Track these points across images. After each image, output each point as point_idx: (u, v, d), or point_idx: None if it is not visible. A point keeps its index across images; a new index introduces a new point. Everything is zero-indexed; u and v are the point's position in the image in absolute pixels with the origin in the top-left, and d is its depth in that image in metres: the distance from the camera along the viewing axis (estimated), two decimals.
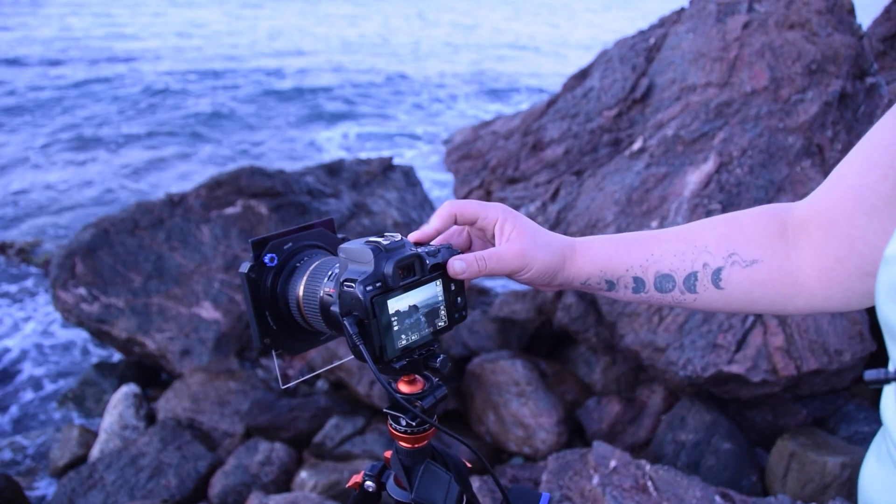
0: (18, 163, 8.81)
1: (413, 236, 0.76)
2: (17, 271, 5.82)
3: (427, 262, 0.72)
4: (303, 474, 3.03)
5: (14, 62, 14.88)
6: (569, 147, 4.13)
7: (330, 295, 0.73)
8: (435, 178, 8.07)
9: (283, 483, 3.07)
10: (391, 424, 0.78)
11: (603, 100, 4.18)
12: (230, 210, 4.37)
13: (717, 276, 0.74)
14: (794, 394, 2.98)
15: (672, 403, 3.29)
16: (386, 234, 0.73)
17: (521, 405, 3.30)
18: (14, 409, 4.13)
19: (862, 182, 0.62)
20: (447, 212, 0.76)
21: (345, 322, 0.68)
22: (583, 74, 4.87)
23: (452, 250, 0.76)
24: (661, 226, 3.26)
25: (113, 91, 12.61)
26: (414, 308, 0.71)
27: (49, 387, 4.34)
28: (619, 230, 3.36)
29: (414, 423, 0.76)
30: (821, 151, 3.28)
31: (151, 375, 4.21)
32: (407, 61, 17.95)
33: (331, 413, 3.41)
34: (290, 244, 0.79)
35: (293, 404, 3.42)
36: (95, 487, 2.99)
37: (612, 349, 3.45)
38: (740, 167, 3.28)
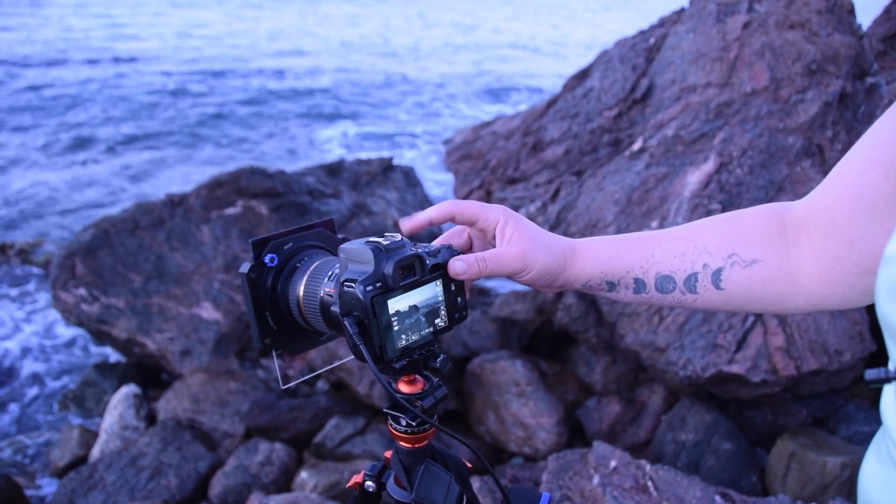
0: (19, 163, 8.82)
1: (404, 221, 0.76)
2: (17, 272, 5.82)
3: (427, 262, 0.72)
4: (303, 474, 3.03)
5: (14, 62, 14.88)
6: (569, 147, 4.13)
7: (330, 295, 0.73)
8: (435, 178, 8.07)
9: (284, 483, 3.07)
10: (391, 424, 0.78)
11: (603, 100, 4.18)
12: (230, 210, 4.37)
13: (717, 277, 0.74)
14: (794, 394, 2.98)
15: (672, 403, 3.29)
16: (386, 234, 0.73)
17: (521, 405, 3.30)
18: (14, 410, 4.13)
19: (862, 181, 0.62)
20: (446, 209, 0.76)
21: (345, 322, 0.68)
22: (583, 74, 4.87)
23: (453, 251, 0.76)
24: (661, 226, 3.26)
25: (113, 91, 12.61)
26: (414, 308, 0.71)
27: (49, 387, 4.34)
28: (619, 230, 3.36)
29: (414, 423, 0.76)
30: (821, 151, 3.28)
31: (152, 376, 4.21)
32: (407, 61, 17.95)
33: (331, 413, 3.41)
34: (291, 244, 0.79)
35: (293, 404, 3.42)
36: (96, 488, 2.99)
37: (612, 349, 3.45)
38: (740, 167, 3.28)
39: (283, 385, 0.83)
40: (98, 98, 12.07)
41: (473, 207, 0.76)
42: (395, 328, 0.70)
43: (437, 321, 0.74)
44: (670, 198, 3.33)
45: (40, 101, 11.68)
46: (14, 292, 5.49)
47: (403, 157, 9.05)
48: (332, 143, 10.30)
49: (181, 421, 3.48)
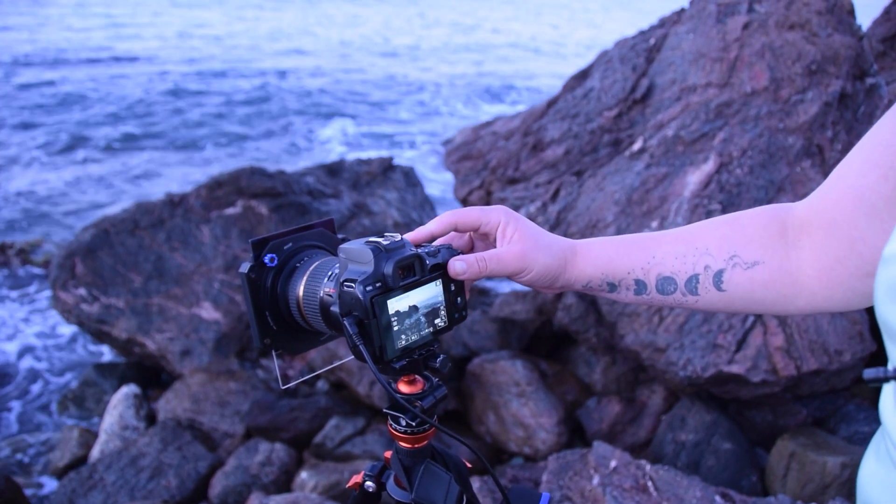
0: (19, 163, 8.82)
1: (407, 236, 0.76)
2: (17, 272, 5.82)
3: (427, 262, 0.72)
4: (303, 475, 3.03)
5: (14, 62, 14.88)
6: (569, 147, 4.13)
7: (330, 295, 0.73)
8: (435, 178, 8.08)
9: (284, 483, 3.07)
10: (391, 424, 0.78)
11: (603, 100, 4.18)
12: (230, 210, 4.37)
13: (718, 278, 0.74)
14: (794, 394, 2.98)
15: (672, 404, 3.29)
16: (386, 234, 0.73)
17: (521, 405, 3.30)
18: (15, 410, 4.13)
19: (862, 182, 0.62)
20: (447, 220, 0.76)
21: (345, 322, 0.68)
22: (583, 75, 4.87)
23: (453, 251, 0.76)
24: (661, 226, 3.26)
25: (113, 91, 12.61)
26: (414, 308, 0.71)
27: (49, 387, 4.34)
28: (619, 230, 3.36)
29: (414, 424, 0.76)
30: (821, 152, 3.28)
31: (152, 376, 4.21)
32: (407, 61, 17.95)
33: (331, 413, 3.41)
34: (291, 244, 0.79)
35: (293, 405, 3.42)
36: (96, 488, 2.99)
37: (613, 349, 3.45)
38: (740, 167, 3.28)
39: (283, 385, 0.83)
40: (98, 98, 12.07)
41: (474, 214, 0.76)
42: (395, 328, 0.70)
43: (436, 321, 0.74)
44: (670, 198, 3.33)
45: (40, 101, 11.68)
46: (14, 292, 5.49)
47: (403, 157, 9.05)
48: (332, 143, 10.30)
49: (181, 421, 3.48)
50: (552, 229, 3.65)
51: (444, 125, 11.27)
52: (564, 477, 2.22)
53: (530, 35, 26.21)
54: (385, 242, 0.70)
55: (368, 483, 0.85)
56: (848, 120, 3.37)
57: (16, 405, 4.17)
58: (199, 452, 3.19)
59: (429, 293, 0.73)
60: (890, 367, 0.49)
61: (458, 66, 17.27)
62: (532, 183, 4.17)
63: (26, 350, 4.71)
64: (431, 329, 0.74)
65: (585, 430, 3.34)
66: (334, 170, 5.46)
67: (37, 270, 5.82)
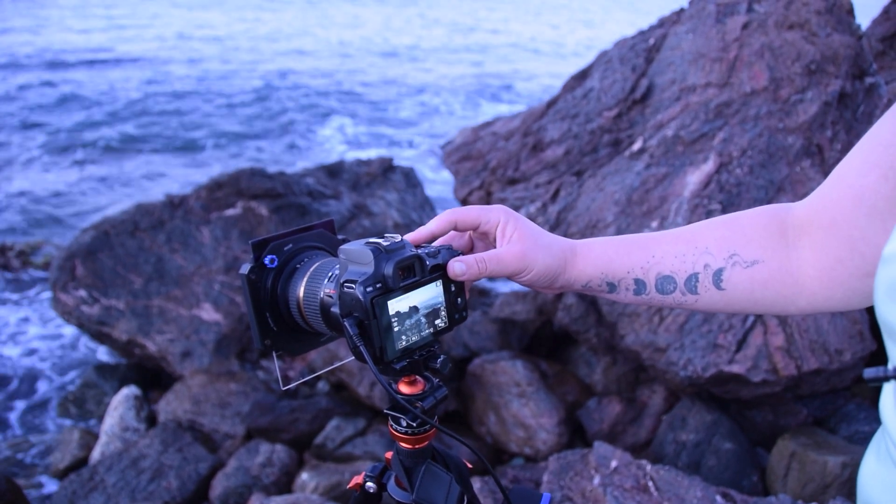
0: (19, 164, 8.82)
1: (408, 237, 0.76)
2: (17, 274, 5.82)
3: (427, 262, 0.72)
4: (304, 476, 3.03)
5: (14, 64, 14.89)
6: (569, 147, 4.13)
7: (330, 296, 0.73)
8: (435, 178, 8.08)
9: (284, 485, 3.07)
10: (392, 425, 0.78)
11: (603, 100, 4.18)
12: (230, 212, 4.37)
13: (718, 278, 0.74)
14: (794, 393, 2.98)
15: (673, 404, 3.29)
16: (386, 235, 0.73)
17: (521, 406, 3.30)
18: (15, 411, 4.13)
19: (862, 182, 0.62)
20: (446, 219, 0.76)
21: (345, 323, 0.68)
22: (583, 75, 4.87)
23: (453, 251, 0.76)
24: (661, 226, 3.26)
25: (113, 92, 12.62)
26: (414, 309, 0.71)
27: (50, 389, 4.34)
28: (619, 231, 3.36)
29: (414, 424, 0.76)
30: (820, 151, 3.28)
31: (152, 377, 4.21)
32: (407, 61, 17.96)
33: (332, 414, 3.41)
34: (291, 245, 0.79)
35: (294, 406, 3.42)
36: (96, 489, 2.99)
37: (613, 349, 3.45)
38: (740, 167, 3.28)
39: (284, 386, 0.83)
40: (98, 98, 12.08)
41: (474, 212, 0.76)
42: (396, 329, 0.70)
43: (437, 322, 0.74)
44: (670, 198, 3.33)
45: (40, 102, 11.68)
46: (14, 294, 5.49)
47: (403, 158, 9.06)
48: (332, 144, 10.30)
49: (182, 422, 3.48)
50: (552, 229, 3.65)
51: (444, 125, 11.27)
52: (565, 477, 2.22)
53: (530, 35, 26.22)
54: (385, 243, 0.70)
55: (369, 484, 0.85)
56: (847, 119, 3.37)
57: (16, 407, 4.17)
58: (199, 454, 3.19)
59: (429, 294, 0.73)
60: (890, 366, 0.49)
61: (457, 67, 17.28)
62: (532, 183, 4.18)
63: (26, 352, 4.71)
64: (432, 330, 0.74)
65: (586, 430, 3.34)
66: (334, 171, 5.46)
67: (37, 272, 5.83)
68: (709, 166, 3.33)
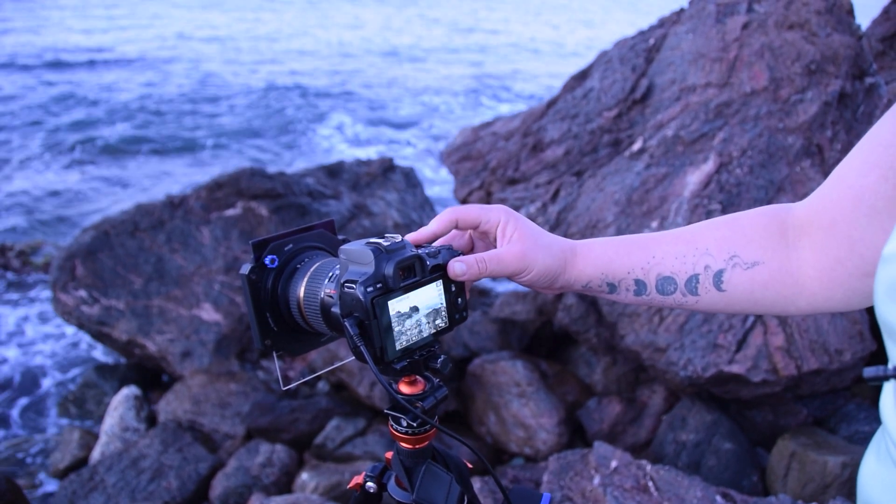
0: (18, 164, 8.82)
1: (410, 237, 0.76)
2: (17, 274, 5.82)
3: (427, 263, 0.72)
4: (304, 476, 3.03)
5: (14, 64, 14.89)
6: (569, 148, 4.13)
7: (331, 296, 0.73)
8: (435, 178, 8.08)
9: (285, 485, 3.07)
10: (392, 425, 0.78)
11: (603, 100, 4.18)
12: (230, 212, 4.37)
13: (718, 279, 0.74)
14: (794, 393, 2.98)
15: (673, 404, 3.29)
16: (386, 235, 0.73)
17: (521, 406, 3.30)
18: (15, 412, 4.13)
19: (862, 183, 0.62)
20: (447, 218, 0.76)
21: (345, 323, 0.68)
22: (582, 75, 4.87)
23: (453, 251, 0.76)
24: (661, 226, 3.26)
25: (113, 92, 12.62)
26: (414, 309, 0.71)
27: (50, 389, 4.34)
28: (619, 231, 3.36)
29: (415, 424, 0.76)
30: (820, 151, 3.28)
31: (152, 377, 4.21)
32: (407, 62, 17.96)
33: (332, 414, 3.41)
34: (291, 246, 0.80)
35: (294, 406, 3.42)
36: (96, 489, 2.99)
37: (613, 349, 3.45)
38: (740, 167, 3.28)
39: (284, 386, 0.83)
40: (98, 99, 12.08)
41: (475, 211, 0.76)
42: (396, 329, 0.70)
43: (437, 322, 0.74)
44: (670, 198, 3.34)
45: (40, 102, 11.68)
46: (14, 294, 5.49)
47: (403, 158, 9.06)
48: (332, 144, 10.31)
49: (182, 422, 3.48)
50: (552, 230, 3.65)
51: (444, 125, 11.27)
52: (565, 477, 2.22)
53: (530, 35, 26.22)
54: (385, 243, 0.70)
55: (369, 484, 0.85)
56: (847, 120, 3.37)
57: (16, 407, 4.17)
58: (199, 454, 3.19)
59: (429, 294, 0.73)
60: (890, 366, 0.49)
61: (457, 67, 17.28)
62: (532, 183, 4.18)
63: (26, 352, 4.71)
64: (432, 330, 0.74)
65: (586, 430, 3.34)
66: (334, 171, 5.46)
67: (37, 272, 5.83)
68: (709, 166, 3.33)
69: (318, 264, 0.78)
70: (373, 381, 3.40)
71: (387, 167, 5.80)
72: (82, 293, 4.11)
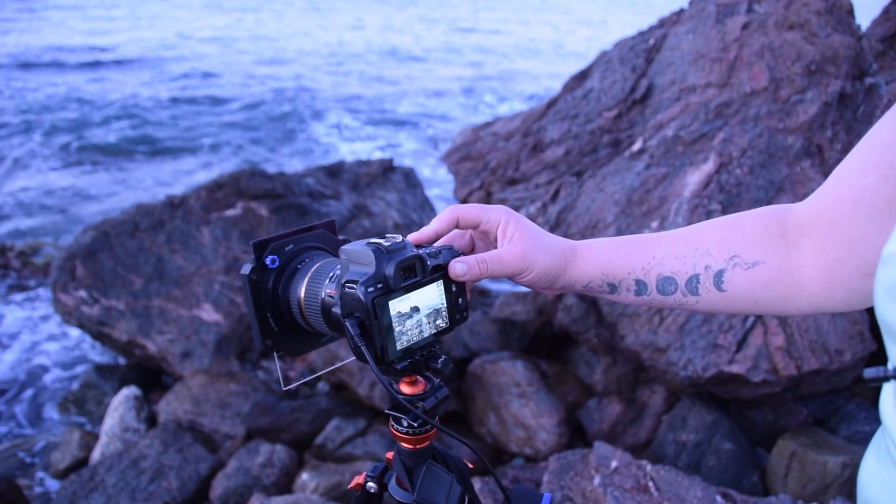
0: (18, 164, 8.82)
1: (412, 237, 0.76)
2: (17, 274, 5.82)
3: (428, 263, 0.72)
4: (304, 476, 3.03)
5: (14, 64, 14.89)
6: (569, 148, 4.13)
7: (331, 296, 0.73)
8: (435, 179, 8.08)
9: (285, 485, 3.07)
10: (392, 425, 0.78)
11: (603, 101, 4.19)
12: (230, 212, 4.37)
13: (719, 279, 0.74)
14: (794, 394, 2.98)
15: (673, 404, 3.29)
16: (387, 235, 0.73)
17: (521, 406, 3.30)
18: (15, 412, 4.13)
19: (862, 183, 0.62)
20: (448, 216, 0.76)
21: (346, 323, 0.68)
22: (582, 75, 4.87)
23: (454, 252, 0.76)
24: (661, 226, 3.26)
25: (112, 92, 12.62)
26: (415, 309, 0.71)
27: (50, 389, 4.34)
28: (619, 231, 3.36)
29: (415, 424, 0.76)
30: (820, 152, 3.28)
31: (152, 378, 4.21)
32: (407, 61, 17.96)
33: (332, 414, 3.41)
34: (292, 246, 0.80)
35: (294, 406, 3.42)
36: (97, 490, 2.99)
37: (613, 350, 3.45)
38: (740, 167, 3.28)
39: (284, 386, 0.83)
40: (98, 99, 12.08)
41: (475, 210, 0.76)
42: (397, 329, 0.70)
43: (438, 322, 0.74)
44: (670, 198, 3.34)
45: (40, 102, 11.68)
46: (14, 295, 5.49)
47: (403, 158, 9.06)
48: (332, 144, 10.31)
49: (182, 423, 3.48)
50: (552, 230, 3.65)
51: (444, 125, 11.27)
52: (565, 477, 2.22)
53: (530, 35, 26.22)
54: (386, 244, 0.70)
55: (370, 484, 0.85)
56: (847, 120, 3.37)
57: (16, 407, 4.17)
58: (199, 454, 3.19)
59: (430, 294, 0.73)
60: (890, 366, 0.49)
61: (457, 67, 17.28)
62: (532, 184, 4.18)
63: (27, 352, 4.71)
64: (433, 330, 0.74)
65: (586, 430, 3.34)
66: (334, 171, 5.46)
67: (37, 273, 5.83)
68: (709, 166, 3.33)
69: (318, 264, 0.78)
70: (373, 382, 3.40)
71: (387, 167, 5.80)
72: (82, 293, 4.11)
